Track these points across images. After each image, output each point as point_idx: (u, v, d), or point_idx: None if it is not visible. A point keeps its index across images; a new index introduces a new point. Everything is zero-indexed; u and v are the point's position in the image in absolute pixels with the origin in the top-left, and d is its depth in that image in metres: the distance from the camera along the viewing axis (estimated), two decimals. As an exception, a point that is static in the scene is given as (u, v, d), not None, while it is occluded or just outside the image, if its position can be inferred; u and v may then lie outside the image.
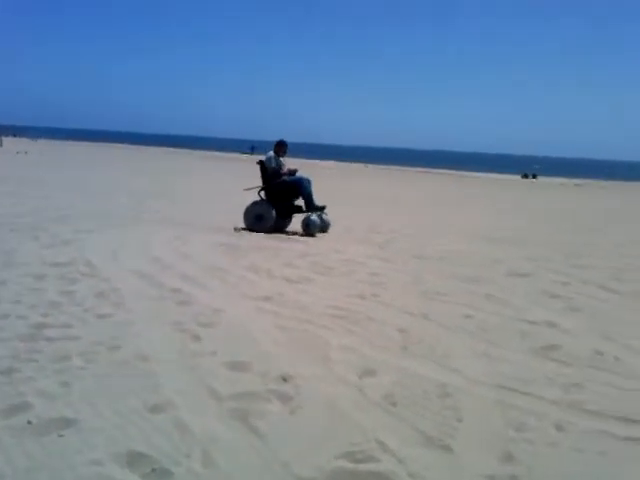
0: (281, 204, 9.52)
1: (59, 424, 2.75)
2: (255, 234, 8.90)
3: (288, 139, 9.76)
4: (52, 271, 5.79)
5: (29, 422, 2.76)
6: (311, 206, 9.35)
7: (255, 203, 9.46)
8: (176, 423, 2.81)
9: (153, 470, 2.42)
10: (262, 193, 9.60)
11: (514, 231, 11.19)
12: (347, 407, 3.06)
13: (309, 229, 9.09)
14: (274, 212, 9.36)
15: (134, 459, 2.49)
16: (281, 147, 9.78)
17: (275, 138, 9.80)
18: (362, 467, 2.49)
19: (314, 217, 9.14)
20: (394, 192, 20.73)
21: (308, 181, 9.50)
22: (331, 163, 47.89)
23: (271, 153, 9.70)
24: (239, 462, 2.51)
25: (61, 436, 2.65)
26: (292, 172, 9.67)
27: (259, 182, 9.66)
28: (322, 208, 9.48)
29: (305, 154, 51.01)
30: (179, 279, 5.74)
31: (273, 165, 9.57)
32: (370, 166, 44.73)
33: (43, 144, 51.14)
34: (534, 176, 43.08)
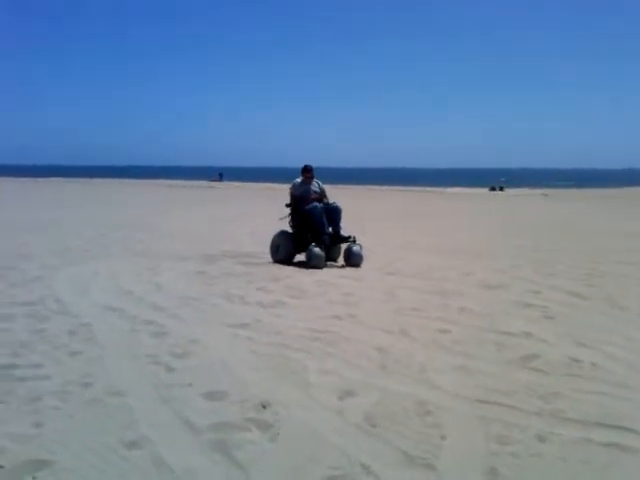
0: (302, 234, 8.84)
1: (33, 466, 2.65)
2: (226, 260, 8.82)
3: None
4: (21, 310, 5.64)
5: (1, 466, 2.65)
6: (319, 237, 8.59)
7: (278, 233, 9.01)
8: (153, 459, 2.73)
9: (132, 510, 2.35)
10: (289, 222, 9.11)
11: (483, 243, 11.30)
12: (328, 431, 3.01)
13: (310, 261, 8.35)
14: (291, 242, 8.85)
15: (111, 499, 2.41)
16: (305, 172, 9.15)
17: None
18: (346, 492, 2.45)
19: (315, 249, 8.37)
20: (361, 210, 20.82)
21: (323, 209, 8.75)
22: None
23: (297, 180, 9.21)
24: (220, 496, 2.44)
25: (35, 479, 2.55)
26: (318, 199, 9.01)
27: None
28: (345, 239, 8.82)
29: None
30: (151, 310, 5.64)
31: (296, 193, 9.06)
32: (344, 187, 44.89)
33: None
34: (501, 188, 43.70)
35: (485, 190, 42.90)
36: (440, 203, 27.77)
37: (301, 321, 5.21)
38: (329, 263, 8.65)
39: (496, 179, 49.33)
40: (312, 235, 8.67)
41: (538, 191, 39.67)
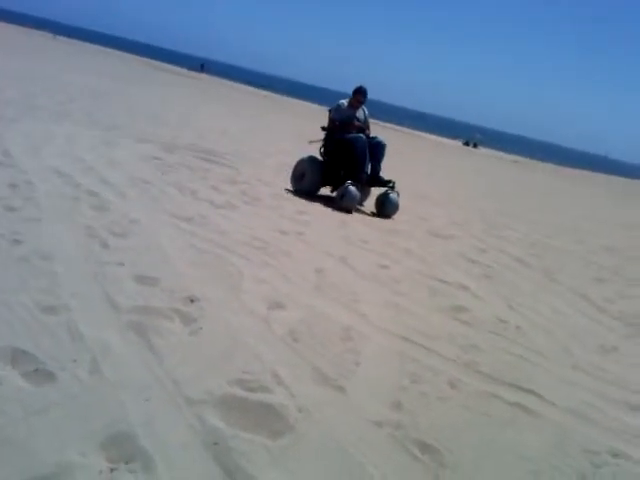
0: (334, 165, 7.63)
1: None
2: (188, 152, 8.61)
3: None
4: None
5: None
6: (357, 175, 7.34)
7: (306, 158, 7.74)
8: (68, 327, 2.69)
9: (36, 370, 2.32)
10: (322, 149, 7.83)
11: (445, 193, 11.35)
12: (249, 336, 3.02)
13: (343, 201, 7.13)
14: (319, 172, 7.62)
15: (18, 356, 2.38)
16: (356, 96, 7.70)
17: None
18: (253, 396, 2.46)
19: (352, 187, 7.11)
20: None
21: (366, 144, 7.46)
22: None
23: (342, 102, 7.79)
24: (127, 374, 2.43)
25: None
26: (359, 129, 7.66)
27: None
28: (384, 183, 7.63)
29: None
30: (99, 183, 5.50)
31: (337, 117, 7.70)
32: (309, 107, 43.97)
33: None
34: (475, 145, 43.77)
35: (459, 143, 42.94)
36: (415, 146, 27.67)
37: (248, 228, 5.15)
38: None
39: (470, 134, 49.30)
40: (346, 171, 7.47)
41: (510, 157, 39.90)
